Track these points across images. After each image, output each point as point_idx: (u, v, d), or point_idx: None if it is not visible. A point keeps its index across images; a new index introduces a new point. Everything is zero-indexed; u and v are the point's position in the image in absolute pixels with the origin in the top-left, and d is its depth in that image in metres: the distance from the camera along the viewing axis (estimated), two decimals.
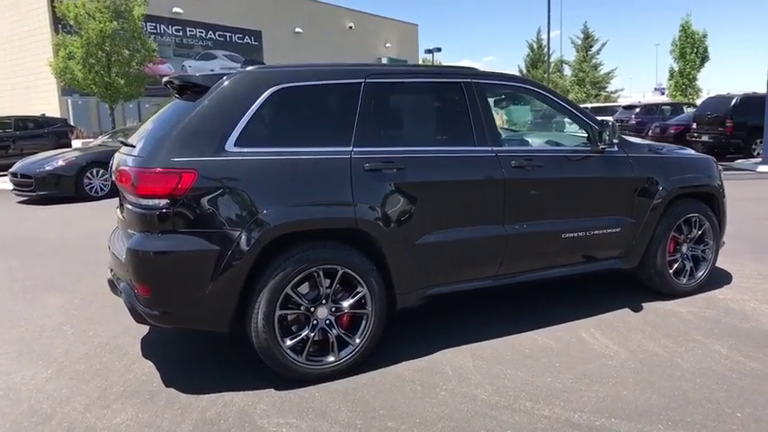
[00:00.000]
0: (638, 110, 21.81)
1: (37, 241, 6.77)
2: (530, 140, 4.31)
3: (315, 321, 2.93)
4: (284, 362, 2.86)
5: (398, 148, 3.14)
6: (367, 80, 3.11)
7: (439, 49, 39.68)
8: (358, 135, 3.01)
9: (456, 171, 3.25)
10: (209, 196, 2.72)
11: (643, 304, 3.97)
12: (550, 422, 2.55)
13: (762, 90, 14.57)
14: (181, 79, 3.08)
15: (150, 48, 18.02)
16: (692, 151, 4.50)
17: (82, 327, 3.88)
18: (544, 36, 41.83)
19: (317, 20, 32.84)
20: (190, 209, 2.70)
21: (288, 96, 2.96)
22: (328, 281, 2.93)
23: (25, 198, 10.13)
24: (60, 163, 10.06)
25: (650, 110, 21.87)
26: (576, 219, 3.64)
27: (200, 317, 2.82)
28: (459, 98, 3.35)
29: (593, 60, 41.73)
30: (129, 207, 2.84)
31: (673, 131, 17.00)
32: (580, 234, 3.64)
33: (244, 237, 2.72)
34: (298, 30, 31.88)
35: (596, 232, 3.70)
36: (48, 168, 9.95)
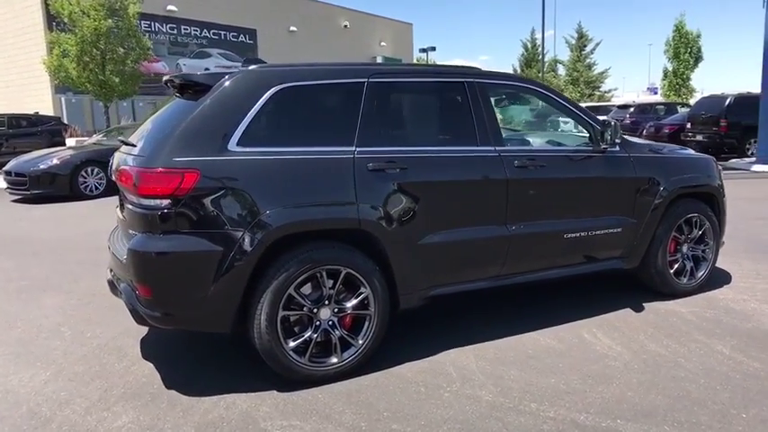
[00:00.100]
0: (632, 109, 21.92)
1: (32, 240, 6.71)
2: (530, 140, 4.30)
3: (318, 322, 2.91)
4: (287, 363, 2.83)
5: (401, 147, 3.12)
6: (370, 79, 3.09)
7: (433, 49, 39.77)
8: (361, 135, 2.99)
9: (459, 171, 3.23)
10: (212, 196, 2.69)
11: (644, 304, 3.97)
12: (556, 423, 2.53)
13: (755, 90, 14.65)
14: (182, 78, 3.04)
15: (145, 46, 17.89)
16: (692, 151, 4.50)
17: (80, 328, 3.84)
18: (538, 36, 41.99)
19: (312, 18, 32.74)
20: (192, 209, 2.67)
21: (291, 96, 2.93)
22: (331, 281, 2.91)
23: (19, 197, 10.03)
24: (55, 161, 9.97)
25: (644, 109, 21.97)
26: (578, 219, 3.63)
27: (203, 318, 2.79)
28: (461, 98, 3.34)
29: (587, 60, 41.88)
30: (130, 207, 2.80)
31: (667, 131, 17.09)
32: (582, 234, 3.63)
33: (246, 237, 2.69)
34: (293, 28, 31.77)
35: (598, 232, 3.70)
36: (42, 167, 9.86)
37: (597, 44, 42.00)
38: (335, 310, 2.94)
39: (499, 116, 7.72)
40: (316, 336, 2.89)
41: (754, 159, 13.33)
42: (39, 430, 2.58)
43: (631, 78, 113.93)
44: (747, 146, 14.53)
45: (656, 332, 3.52)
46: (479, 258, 3.35)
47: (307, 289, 2.90)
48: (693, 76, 28.78)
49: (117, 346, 3.51)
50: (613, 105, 24.95)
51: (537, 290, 4.14)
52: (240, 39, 29.37)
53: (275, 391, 2.86)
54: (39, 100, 21.94)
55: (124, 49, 17.25)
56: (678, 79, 28.34)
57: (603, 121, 3.72)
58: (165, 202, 2.64)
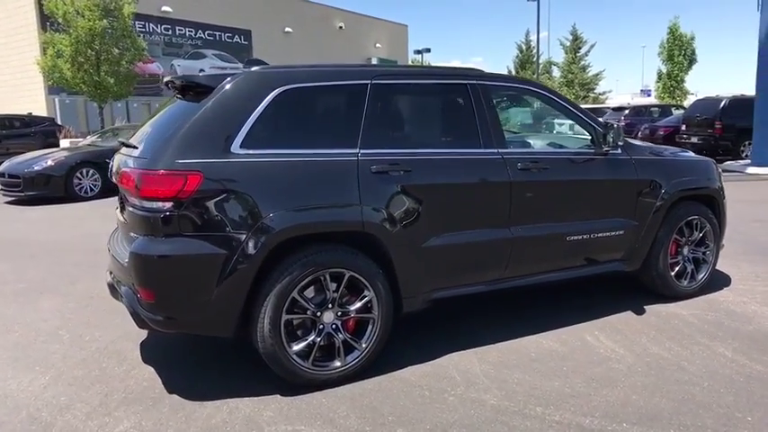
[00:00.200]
0: (627, 111, 22.02)
1: (27, 243, 6.65)
2: (531, 142, 4.30)
3: (321, 326, 2.88)
4: (290, 367, 2.81)
5: (405, 149, 3.11)
6: (373, 81, 3.07)
7: (428, 50, 39.79)
8: (364, 136, 2.97)
9: (462, 173, 3.22)
10: (215, 199, 2.66)
11: (645, 307, 3.97)
12: (562, 427, 2.52)
13: (750, 92, 14.74)
14: (183, 79, 3.02)
15: (140, 47, 17.82)
16: (692, 154, 4.51)
17: (78, 331, 3.80)
18: (533, 37, 42.12)
19: (307, 20, 32.71)
20: (195, 212, 2.64)
21: (294, 97, 2.91)
22: (334, 285, 2.89)
23: (13, 198, 9.95)
24: (49, 163, 9.89)
25: (639, 111, 22.09)
26: (581, 221, 3.63)
27: (205, 322, 2.77)
28: (465, 100, 3.33)
29: (582, 62, 42.06)
30: (132, 209, 2.77)
31: (662, 133, 17.17)
32: (584, 237, 3.63)
33: (250, 240, 2.67)
34: (288, 29, 31.73)
35: (600, 235, 3.70)
36: (36, 168, 9.78)
37: (592, 46, 42.30)
38: (339, 313, 2.92)
39: None
40: (319, 339, 2.87)
41: (748, 162, 13.40)
42: None
43: (624, 80, 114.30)
44: (742, 148, 14.62)
45: (658, 335, 3.52)
46: (482, 261, 3.34)
47: (310, 292, 2.87)
48: (687, 79, 28.97)
49: (116, 349, 3.48)
50: (608, 107, 25.08)
51: (537, 292, 4.13)
52: (235, 40, 29.31)
53: (278, 396, 2.83)
54: (32, 101, 21.81)
55: (119, 50, 17.16)
56: (672, 81, 28.52)
57: (605, 123, 3.72)
58: (168, 204, 2.62)
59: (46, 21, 19.08)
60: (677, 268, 4.10)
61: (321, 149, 2.90)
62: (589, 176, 3.68)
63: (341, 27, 35.46)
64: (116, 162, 3.17)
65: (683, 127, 16.06)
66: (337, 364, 2.91)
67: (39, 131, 15.83)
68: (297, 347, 2.83)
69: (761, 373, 3.00)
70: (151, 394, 2.89)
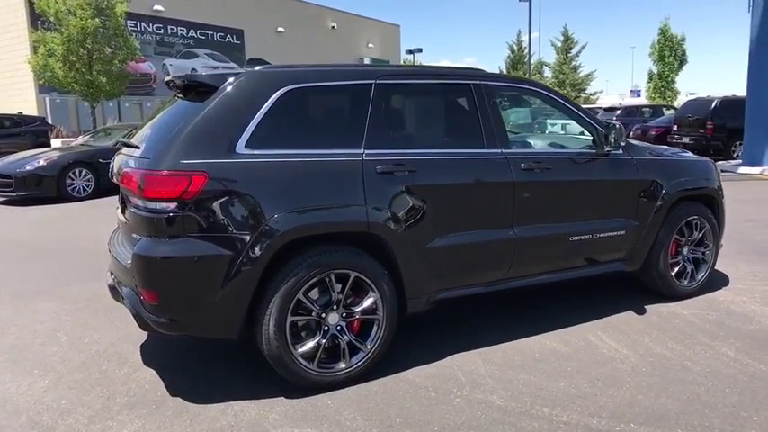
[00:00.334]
0: (618, 112, 22.15)
1: (21, 244, 6.56)
2: (532, 143, 4.30)
3: (326, 327, 2.86)
4: (295, 369, 2.78)
5: (409, 150, 3.10)
6: (377, 81, 3.05)
7: (420, 50, 39.84)
8: (369, 137, 2.95)
9: (466, 174, 3.21)
10: (220, 200, 2.63)
11: (646, 306, 3.98)
12: (570, 428, 2.52)
13: (740, 92, 14.88)
14: (186, 79, 2.99)
15: (132, 46, 17.68)
16: (691, 154, 4.54)
17: (76, 333, 3.74)
18: (524, 38, 42.22)
19: (300, 19, 32.65)
20: (199, 212, 2.61)
21: (299, 97, 2.89)
22: (339, 286, 2.87)
23: (5, 199, 9.83)
24: (41, 163, 9.78)
25: (631, 112, 22.24)
26: (583, 222, 3.63)
27: (210, 324, 2.74)
28: (468, 100, 3.32)
29: (573, 63, 42.25)
30: (135, 210, 2.73)
31: (653, 133, 17.30)
32: (587, 237, 3.63)
33: (255, 241, 2.64)
34: (280, 29, 31.66)
35: (602, 235, 3.70)
36: (28, 168, 9.66)
37: (583, 47, 42.47)
38: (344, 314, 2.90)
39: None
40: (324, 341, 2.85)
41: (740, 161, 13.52)
42: None
43: (615, 81, 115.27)
44: (733, 148, 14.77)
45: (660, 335, 3.53)
46: (486, 262, 3.33)
47: (314, 293, 2.85)
48: (678, 79, 29.22)
49: (116, 351, 3.43)
50: (600, 108, 25.24)
51: (537, 293, 4.12)
52: (227, 39, 29.20)
53: (283, 398, 2.81)
54: (22, 100, 21.60)
55: (111, 49, 17.01)
56: (663, 82, 28.72)
57: (608, 123, 3.73)
58: (172, 205, 2.58)
59: (37, 19, 18.88)
60: (677, 268, 4.11)
61: (326, 150, 2.88)
62: (591, 177, 3.68)
63: (333, 27, 35.43)
64: (117, 162, 3.12)
65: (675, 127, 16.20)
66: (342, 365, 2.89)
67: (29, 131, 15.67)
68: (302, 349, 2.80)
69: (764, 372, 3.01)
70: (154, 397, 2.86)
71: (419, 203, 3.02)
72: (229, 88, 2.79)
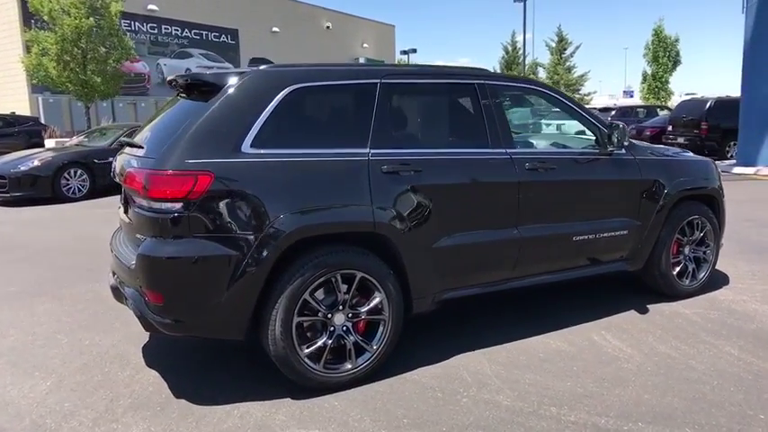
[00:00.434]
0: (613, 112, 22.26)
1: (16, 245, 6.50)
2: (534, 142, 4.30)
3: (332, 328, 2.85)
4: (302, 370, 2.76)
5: (415, 149, 3.09)
6: (383, 80, 3.04)
7: (414, 51, 39.87)
8: (374, 136, 2.94)
9: (472, 173, 3.21)
10: (226, 199, 2.61)
11: (648, 306, 3.99)
12: (578, 427, 2.52)
13: (734, 93, 14.99)
14: (190, 78, 2.97)
15: (127, 45, 17.56)
16: (692, 154, 4.55)
17: (77, 335, 3.71)
18: (518, 38, 42.26)
19: (295, 19, 32.59)
20: (205, 212, 2.59)
21: (304, 96, 2.87)
22: (345, 286, 2.85)
23: None
24: (36, 163, 9.71)
25: (626, 112, 22.36)
26: (587, 221, 3.64)
27: (216, 325, 2.71)
28: (473, 99, 3.31)
29: (567, 63, 42.33)
30: (139, 210, 2.71)
31: (648, 133, 17.38)
32: (590, 237, 3.64)
33: (262, 241, 2.62)
34: (275, 29, 31.58)
35: (605, 235, 3.71)
36: (23, 168, 9.59)
37: (577, 47, 42.47)
38: (350, 315, 2.89)
39: None
40: (330, 342, 2.83)
41: (734, 162, 13.60)
42: None
43: (608, 82, 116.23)
44: (727, 148, 14.86)
45: (663, 334, 3.54)
46: (491, 261, 3.33)
47: (320, 294, 2.83)
48: (672, 80, 29.40)
49: (118, 353, 3.40)
50: (594, 108, 25.32)
51: (537, 293, 4.12)
52: (222, 39, 29.10)
53: (289, 399, 2.79)
54: (15, 100, 21.42)
55: (106, 49, 16.88)
56: (657, 82, 28.88)
57: (611, 123, 3.73)
58: (177, 205, 2.56)
59: (30, 18, 18.73)
60: (679, 267, 4.13)
61: (332, 149, 2.86)
62: (595, 176, 3.69)
63: (328, 27, 35.38)
64: (119, 162, 3.09)
65: (670, 128, 16.28)
66: (348, 366, 2.88)
67: (22, 131, 15.55)
68: (308, 350, 2.78)
69: None
70: (158, 399, 2.83)
71: (425, 203, 3.01)
72: (234, 87, 2.76)
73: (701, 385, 2.88)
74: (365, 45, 38.61)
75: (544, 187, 3.43)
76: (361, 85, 3.03)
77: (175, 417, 2.66)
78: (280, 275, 2.69)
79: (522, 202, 3.33)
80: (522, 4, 29.12)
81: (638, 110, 22.62)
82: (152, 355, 3.36)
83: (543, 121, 12.37)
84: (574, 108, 3.79)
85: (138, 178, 2.65)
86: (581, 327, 3.66)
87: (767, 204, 8.60)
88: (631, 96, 42.70)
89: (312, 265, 2.72)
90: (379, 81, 3.03)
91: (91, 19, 15.95)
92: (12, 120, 16.15)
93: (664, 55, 28.12)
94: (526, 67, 37.62)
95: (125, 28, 22.31)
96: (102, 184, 10.06)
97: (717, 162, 13.75)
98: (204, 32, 28.22)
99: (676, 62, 28.44)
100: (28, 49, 17.02)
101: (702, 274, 4.23)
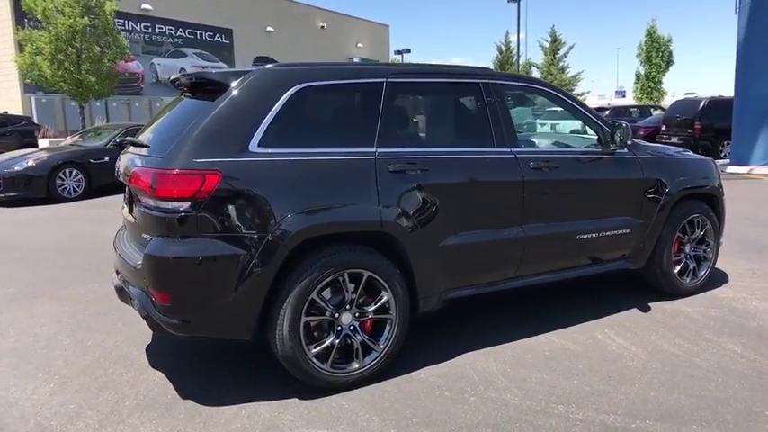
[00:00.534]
0: (607, 112, 22.36)
1: (12, 245, 6.44)
2: (536, 141, 4.31)
3: (339, 327, 2.84)
4: (309, 370, 2.76)
5: (421, 148, 3.10)
6: (388, 80, 3.04)
7: (408, 50, 39.85)
8: (381, 135, 2.93)
9: (477, 172, 3.21)
10: (234, 199, 2.60)
11: (649, 304, 4.01)
12: (586, 425, 2.52)
13: (727, 93, 15.09)
14: (195, 77, 2.95)
15: (122, 45, 17.44)
16: (692, 153, 4.58)
17: (78, 336, 3.68)
18: (512, 39, 42.38)
19: (289, 19, 32.53)
20: (212, 212, 2.58)
21: (310, 95, 2.87)
22: (352, 285, 2.85)
23: None
24: (30, 163, 9.62)
25: (620, 112, 22.47)
26: (590, 220, 3.65)
27: (223, 325, 2.70)
28: (478, 99, 3.32)
29: (561, 63, 42.45)
30: (146, 210, 2.69)
31: (642, 133, 17.45)
32: (593, 235, 3.65)
33: (270, 241, 2.61)
34: (269, 29, 31.50)
35: (608, 233, 3.72)
36: (17, 168, 9.50)
37: (570, 48, 42.63)
38: (357, 314, 2.88)
39: None
40: (338, 341, 2.83)
41: (727, 161, 13.69)
42: None
43: (600, 81, 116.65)
44: (721, 148, 14.95)
45: (666, 332, 3.55)
46: (497, 260, 3.33)
47: (327, 293, 2.83)
48: (665, 80, 29.59)
49: (121, 354, 3.38)
50: None
51: (540, 292, 4.12)
52: (216, 38, 28.99)
53: (297, 399, 2.78)
54: (7, 99, 21.26)
55: (100, 48, 16.76)
56: (650, 82, 29.04)
57: (613, 122, 3.75)
58: (185, 205, 2.54)
59: (22, 17, 18.57)
60: (680, 266, 4.15)
61: (338, 149, 2.85)
62: (598, 176, 3.70)
63: (322, 27, 35.35)
64: (123, 162, 3.07)
65: (664, 127, 16.37)
66: (355, 365, 2.87)
67: (15, 131, 15.42)
68: (315, 350, 2.78)
69: None
70: (164, 400, 2.82)
71: (431, 202, 3.01)
72: (241, 87, 2.75)
73: (706, 382, 2.90)
74: (360, 45, 38.60)
75: (549, 186, 3.44)
76: (367, 85, 3.02)
77: (183, 417, 2.65)
78: (288, 275, 2.68)
79: (527, 201, 3.34)
80: (516, 4, 29.19)
81: (632, 110, 22.74)
82: (155, 356, 3.34)
83: (537, 120, 12.41)
84: (577, 108, 3.80)
85: (146, 177, 2.63)
86: (584, 325, 3.67)
87: (763, 203, 8.67)
88: (623, 96, 42.88)
89: (320, 264, 2.71)
90: (385, 80, 3.02)
91: (85, 18, 15.83)
92: (4, 119, 16.02)
93: (657, 55, 28.30)
94: (520, 68, 37.71)
95: (119, 27, 22.19)
96: (97, 184, 10.00)
97: None
98: (198, 32, 28.11)
99: (669, 62, 28.63)
100: (21, 49, 16.86)
101: (703, 273, 4.26)
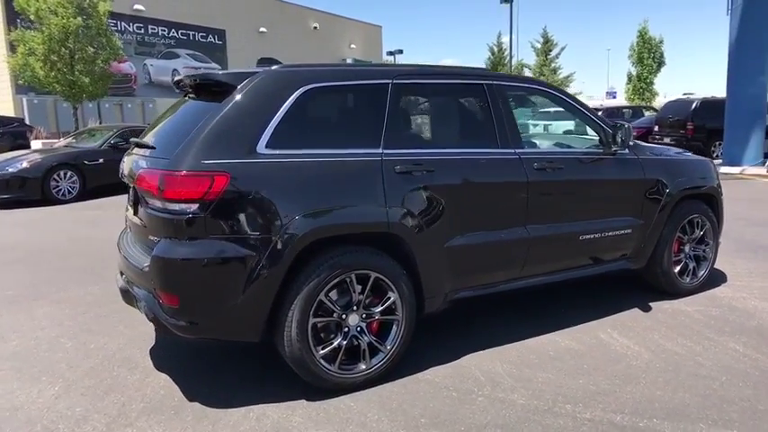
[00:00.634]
0: (600, 113, 22.45)
1: (8, 248, 6.39)
2: (538, 142, 4.34)
3: (346, 328, 2.84)
4: (317, 371, 2.76)
5: (427, 149, 3.10)
6: (394, 81, 3.04)
7: (401, 51, 39.85)
8: (387, 136, 2.94)
9: (483, 173, 3.23)
10: (242, 200, 2.60)
11: (650, 304, 4.04)
12: (594, 425, 2.54)
13: (719, 93, 15.22)
14: (201, 78, 2.95)
15: (116, 46, 17.31)
16: (692, 154, 4.62)
17: (81, 339, 3.66)
18: (504, 40, 42.46)
19: (282, 20, 32.43)
20: (221, 213, 2.57)
21: (317, 97, 2.87)
22: (359, 286, 2.85)
23: None
24: (24, 165, 9.56)
25: (612, 113, 22.57)
26: (593, 220, 3.68)
27: (231, 327, 2.70)
28: (482, 100, 3.33)
29: (553, 64, 42.63)
30: (153, 212, 2.68)
31: (635, 134, 17.56)
32: (596, 235, 3.67)
33: (278, 242, 2.61)
34: (262, 29, 31.39)
35: (610, 234, 3.75)
36: (11, 170, 9.43)
37: (562, 49, 42.78)
38: (364, 315, 2.88)
39: None
40: (345, 342, 2.83)
41: (719, 161, 13.81)
42: None
43: (591, 83, 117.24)
44: (713, 148, 15.07)
45: (669, 331, 3.58)
46: (502, 260, 3.35)
47: (334, 295, 2.83)
48: (656, 81, 29.80)
49: (125, 356, 3.36)
50: None
51: (540, 292, 4.13)
52: (209, 39, 28.86)
53: (304, 401, 2.78)
54: None
55: (94, 49, 16.63)
56: (642, 83, 29.23)
57: (615, 123, 3.78)
58: (193, 206, 2.54)
59: (15, 18, 18.41)
60: (680, 265, 4.18)
61: (345, 149, 2.86)
62: (600, 176, 3.73)
63: (315, 27, 35.27)
64: (128, 163, 3.06)
65: (656, 128, 16.49)
66: (363, 366, 2.87)
67: (7, 132, 15.29)
68: (323, 351, 2.78)
69: None
70: (171, 402, 2.80)
71: (437, 203, 3.02)
72: (248, 88, 2.75)
73: (711, 381, 2.93)
74: (352, 45, 38.56)
75: (552, 187, 3.46)
76: (372, 86, 3.03)
77: (191, 420, 2.64)
78: (296, 276, 2.68)
79: (531, 202, 3.35)
80: (509, 5, 29.27)
81: (624, 110, 22.88)
82: (160, 358, 3.33)
83: (530, 122, 12.45)
84: (578, 108, 3.82)
85: (153, 179, 2.62)
86: (587, 325, 3.70)
87: (757, 203, 8.76)
88: (614, 97, 43.13)
89: (328, 265, 2.72)
90: (390, 81, 3.03)
91: (78, 18, 15.70)
92: None
93: (648, 56, 28.52)
94: (512, 69, 37.83)
95: (111, 28, 22.05)
96: (92, 185, 9.94)
97: None
98: (191, 33, 27.97)
99: (661, 63, 28.85)
100: (12, 49, 16.70)
101: (702, 272, 4.29)
